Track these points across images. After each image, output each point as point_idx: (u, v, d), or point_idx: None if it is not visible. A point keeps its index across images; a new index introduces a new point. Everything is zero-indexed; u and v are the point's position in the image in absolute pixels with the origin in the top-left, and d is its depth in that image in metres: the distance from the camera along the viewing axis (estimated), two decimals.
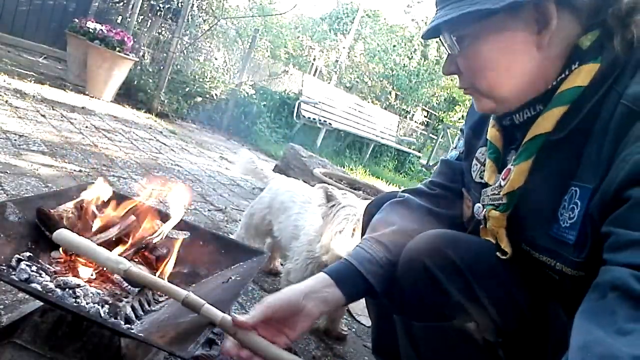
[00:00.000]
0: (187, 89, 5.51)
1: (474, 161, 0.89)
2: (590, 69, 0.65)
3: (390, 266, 0.83)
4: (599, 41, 0.65)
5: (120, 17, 5.85)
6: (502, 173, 0.76)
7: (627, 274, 0.49)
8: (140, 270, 0.88)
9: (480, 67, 0.72)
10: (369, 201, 1.15)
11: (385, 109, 9.03)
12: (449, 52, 0.76)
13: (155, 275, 0.97)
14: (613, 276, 0.51)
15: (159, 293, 1.00)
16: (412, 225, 0.89)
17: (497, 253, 0.76)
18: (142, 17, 5.65)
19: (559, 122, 0.67)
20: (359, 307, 1.81)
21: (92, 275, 0.94)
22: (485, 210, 0.80)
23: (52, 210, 0.99)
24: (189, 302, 0.80)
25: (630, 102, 0.60)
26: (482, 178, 0.84)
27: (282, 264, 1.92)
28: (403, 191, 1.02)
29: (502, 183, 0.75)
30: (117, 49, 4.35)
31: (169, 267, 1.04)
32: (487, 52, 0.70)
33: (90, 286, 0.89)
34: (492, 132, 0.82)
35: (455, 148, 1.01)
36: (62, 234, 0.91)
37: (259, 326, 0.73)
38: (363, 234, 1.14)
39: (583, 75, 0.65)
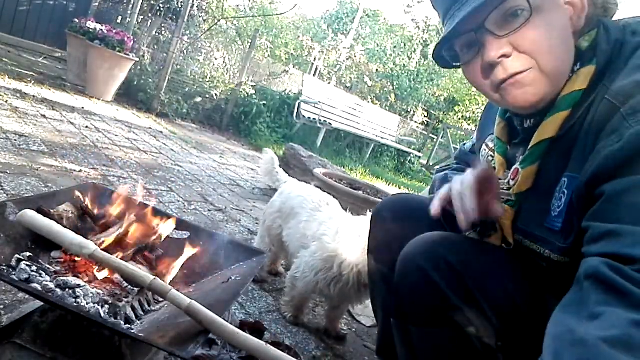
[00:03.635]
0: (187, 89, 5.51)
1: (484, 146, 0.93)
2: (588, 71, 0.67)
3: None
4: (595, 42, 0.68)
5: (120, 17, 5.85)
6: (511, 172, 0.79)
7: (599, 262, 0.51)
8: (104, 254, 0.87)
9: (545, 39, 0.67)
10: (378, 205, 1.14)
11: (385, 109, 9.02)
12: (499, 34, 0.69)
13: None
14: (588, 266, 0.53)
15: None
16: None
17: (503, 244, 0.79)
18: (142, 17, 5.65)
19: (561, 126, 0.70)
20: (359, 307, 1.81)
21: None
22: None
23: (52, 210, 0.99)
24: (154, 287, 0.80)
25: (613, 97, 0.62)
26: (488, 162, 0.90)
27: (283, 266, 1.92)
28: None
29: (512, 183, 0.78)
30: (117, 49, 4.35)
31: (175, 269, 1.04)
32: (548, 24, 0.67)
33: (90, 286, 0.89)
34: (497, 129, 0.85)
35: (472, 139, 1.08)
36: (27, 215, 0.89)
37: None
38: (370, 238, 1.13)
39: (582, 78, 0.68)
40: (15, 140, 2.35)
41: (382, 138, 7.72)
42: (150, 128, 4.23)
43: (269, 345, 0.77)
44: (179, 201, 2.42)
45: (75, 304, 0.81)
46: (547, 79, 0.69)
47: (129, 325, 0.85)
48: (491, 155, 0.90)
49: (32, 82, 4.00)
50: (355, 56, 9.11)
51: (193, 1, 5.28)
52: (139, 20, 5.57)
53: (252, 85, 6.10)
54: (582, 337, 0.44)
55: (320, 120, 6.39)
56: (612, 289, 0.47)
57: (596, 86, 0.66)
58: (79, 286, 0.86)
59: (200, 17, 5.95)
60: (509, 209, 0.78)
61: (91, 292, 0.86)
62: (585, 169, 0.61)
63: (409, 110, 10.76)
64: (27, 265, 0.85)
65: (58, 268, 0.93)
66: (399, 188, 5.99)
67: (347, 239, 1.37)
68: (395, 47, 12.04)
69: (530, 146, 0.73)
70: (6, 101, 3.04)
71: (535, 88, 0.71)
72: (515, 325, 0.73)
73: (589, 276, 0.51)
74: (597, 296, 0.48)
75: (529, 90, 0.70)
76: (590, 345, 0.43)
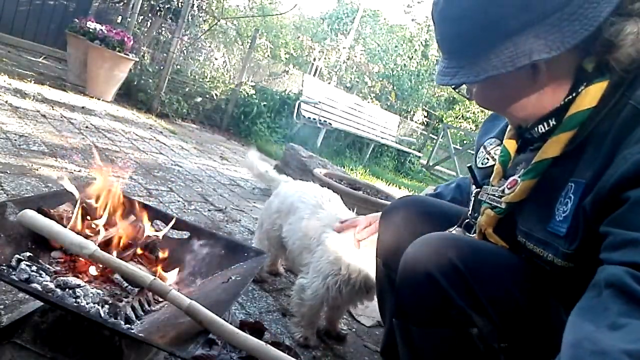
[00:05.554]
0: (187, 89, 5.51)
1: (482, 148, 0.94)
2: (598, 87, 0.66)
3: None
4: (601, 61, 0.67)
5: (120, 17, 5.85)
6: (509, 182, 0.79)
7: (621, 271, 0.49)
8: (105, 254, 0.87)
9: (490, 104, 0.81)
10: (386, 208, 1.14)
11: (386, 109, 9.02)
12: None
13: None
14: (608, 274, 0.51)
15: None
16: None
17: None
18: (142, 17, 5.65)
19: (566, 144, 0.70)
20: (359, 307, 1.81)
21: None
22: (482, 207, 0.85)
23: (52, 210, 0.99)
24: (154, 287, 0.79)
25: (638, 102, 0.61)
26: (483, 164, 0.93)
27: (283, 266, 1.92)
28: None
29: (507, 191, 0.79)
30: (117, 49, 4.34)
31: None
32: (492, 95, 0.77)
33: (91, 286, 0.89)
34: (508, 134, 0.87)
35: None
36: (27, 215, 0.88)
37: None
38: (379, 241, 1.13)
39: (590, 96, 0.67)
40: (15, 140, 2.35)
41: (382, 138, 7.72)
42: (150, 128, 4.22)
43: (269, 345, 0.77)
44: (179, 201, 2.42)
45: (75, 304, 0.81)
46: (527, 112, 0.75)
47: (129, 325, 0.85)
48: (487, 158, 0.92)
49: (32, 82, 4.00)
50: (355, 56, 9.12)
51: (193, 1, 5.28)
52: (139, 20, 5.57)
53: (252, 86, 6.10)
54: (603, 348, 0.43)
55: (320, 120, 6.39)
56: (635, 301, 0.46)
57: (612, 97, 0.66)
58: (79, 286, 0.86)
59: (200, 17, 5.96)
60: (493, 215, 0.81)
61: (91, 292, 0.86)
62: (608, 174, 0.59)
63: (409, 110, 10.76)
64: (27, 265, 0.85)
65: (58, 268, 0.93)
66: (399, 188, 5.99)
67: (352, 243, 1.34)
68: (395, 47, 12.04)
69: (533, 161, 0.75)
70: (6, 101, 3.03)
71: (520, 113, 0.77)
72: (517, 327, 0.73)
73: (609, 284, 0.50)
74: (618, 306, 0.47)
75: (514, 115, 0.79)
76: (612, 357, 0.42)
